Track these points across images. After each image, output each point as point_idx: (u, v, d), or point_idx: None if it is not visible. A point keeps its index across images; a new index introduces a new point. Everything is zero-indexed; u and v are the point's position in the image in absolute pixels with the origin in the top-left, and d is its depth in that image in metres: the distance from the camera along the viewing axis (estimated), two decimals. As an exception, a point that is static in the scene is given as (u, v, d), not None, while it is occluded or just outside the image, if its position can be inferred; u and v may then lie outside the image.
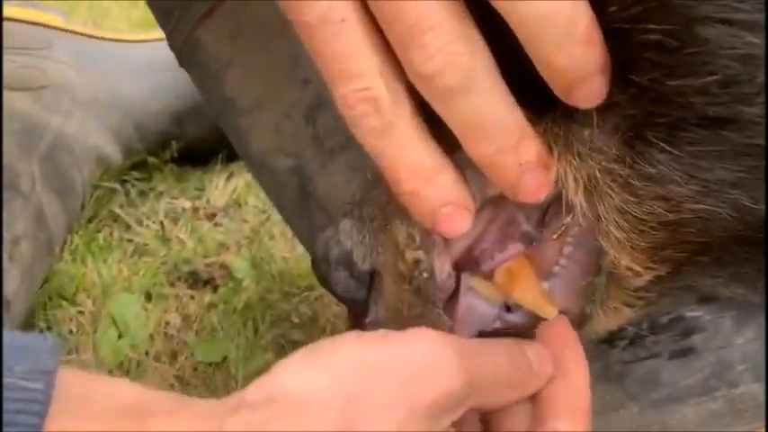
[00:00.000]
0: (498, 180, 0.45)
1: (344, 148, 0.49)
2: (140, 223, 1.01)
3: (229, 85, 0.67)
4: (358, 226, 0.51)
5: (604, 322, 0.54)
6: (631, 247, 0.47)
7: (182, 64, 0.72)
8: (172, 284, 0.89)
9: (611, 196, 0.43)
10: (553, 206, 0.53)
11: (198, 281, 0.91)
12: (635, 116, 0.41)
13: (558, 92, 0.42)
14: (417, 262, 0.49)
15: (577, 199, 0.44)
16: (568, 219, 0.51)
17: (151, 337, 0.82)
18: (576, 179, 0.43)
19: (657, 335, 0.62)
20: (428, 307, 0.50)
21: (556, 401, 0.46)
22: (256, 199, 1.06)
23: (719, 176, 0.40)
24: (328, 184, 0.66)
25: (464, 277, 0.54)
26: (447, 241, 0.50)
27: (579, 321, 0.53)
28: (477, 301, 0.53)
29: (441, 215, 0.45)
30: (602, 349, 0.64)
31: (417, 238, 0.49)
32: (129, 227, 0.99)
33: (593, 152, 0.43)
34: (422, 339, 0.42)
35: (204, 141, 1.13)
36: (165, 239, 0.97)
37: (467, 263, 0.54)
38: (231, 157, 1.11)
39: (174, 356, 0.80)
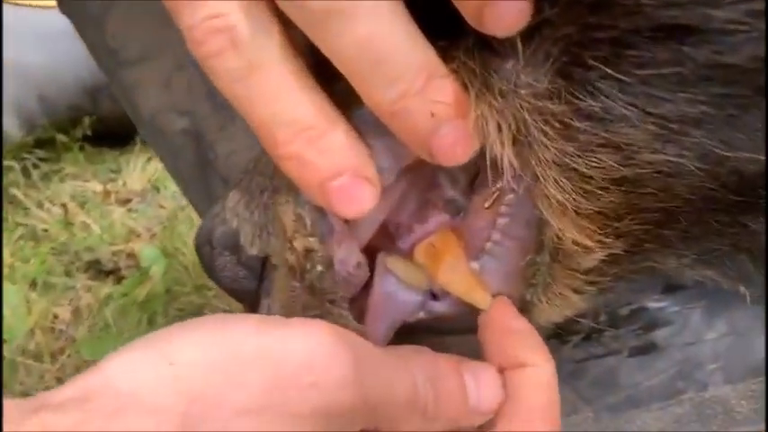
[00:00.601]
0: (406, 137, 0.36)
1: (247, 104, 0.40)
2: (41, 206, 0.91)
3: (111, 32, 0.58)
4: (246, 200, 0.42)
5: (548, 312, 0.46)
6: (577, 214, 0.39)
7: (62, 9, 0.62)
8: (69, 274, 0.80)
9: (546, 146, 0.34)
10: (484, 166, 0.44)
11: (101, 271, 0.82)
12: (570, 36, 0.32)
13: (468, 17, 0.34)
14: (309, 252, 0.40)
15: (504, 152, 0.35)
16: (502, 182, 0.42)
17: (32, 332, 0.72)
18: (500, 126, 0.35)
19: (616, 329, 0.55)
20: (326, 307, 0.41)
21: (514, 398, 0.40)
22: (178, 183, 0.97)
23: (680, 111, 0.32)
24: (229, 149, 0.57)
25: (380, 257, 0.46)
26: (351, 223, 0.41)
27: (518, 310, 0.45)
28: (397, 286, 0.46)
29: (333, 189, 0.36)
30: (551, 345, 0.56)
31: (308, 221, 0.40)
32: (27, 210, 0.89)
33: (519, 89, 0.34)
34: (310, 333, 0.34)
35: (121, 119, 1.03)
36: (67, 224, 0.87)
37: (381, 239, 0.45)
38: (153, 137, 1.01)
39: (55, 355, 0.70)
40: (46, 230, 0.87)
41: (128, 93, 0.60)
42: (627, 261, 0.43)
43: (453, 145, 0.36)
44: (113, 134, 1.05)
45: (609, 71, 0.31)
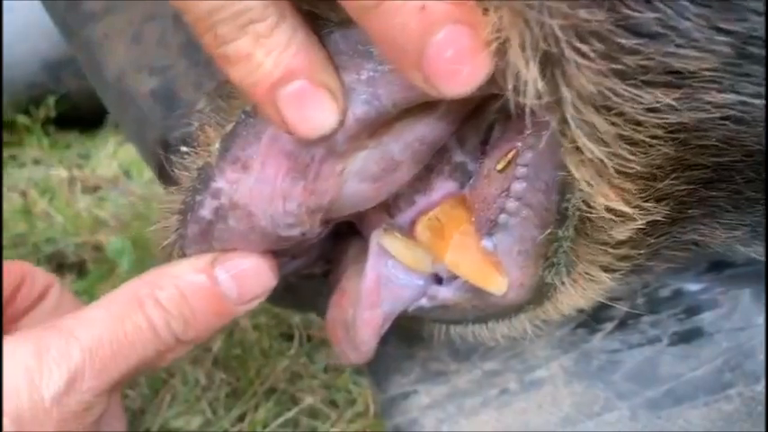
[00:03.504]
0: (389, 47, 0.30)
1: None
2: (-4, 194, 0.84)
3: (73, -21, 0.52)
4: (215, 105, 0.37)
5: (572, 297, 0.41)
6: (618, 173, 0.32)
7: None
8: (26, 269, 0.73)
9: (581, 72, 0.27)
10: (499, 122, 0.38)
11: (63, 264, 0.76)
12: None
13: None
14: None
15: (529, 74, 0.28)
16: (521, 136, 0.36)
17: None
18: (523, 43, 0.27)
19: (656, 313, 0.50)
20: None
21: None
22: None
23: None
24: (207, 112, 0.50)
25: (374, 235, 0.42)
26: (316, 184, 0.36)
27: (535, 296, 0.41)
28: (395, 269, 0.41)
29: (285, 97, 0.32)
30: (578, 335, 0.51)
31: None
32: (-20, 199, 0.83)
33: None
34: None
35: (89, 98, 0.96)
36: (26, 213, 0.80)
37: (375, 212, 0.41)
38: (125, 117, 0.95)
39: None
40: (2, 220, 0.80)
41: (91, 52, 0.54)
42: (665, 231, 0.38)
43: (455, 60, 0.29)
44: (81, 116, 0.98)
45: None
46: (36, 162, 0.93)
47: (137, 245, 0.76)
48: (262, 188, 0.35)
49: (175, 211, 0.38)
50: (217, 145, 0.35)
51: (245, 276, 0.39)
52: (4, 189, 0.85)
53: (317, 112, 0.32)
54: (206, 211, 0.36)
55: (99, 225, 0.81)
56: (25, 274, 0.44)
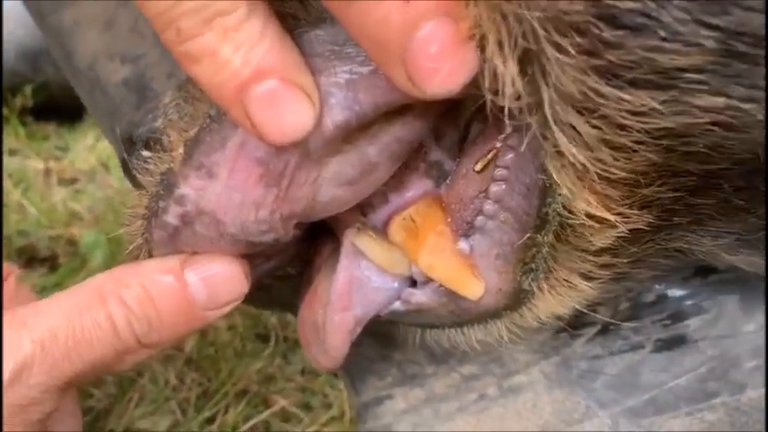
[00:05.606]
0: (369, 42, 0.28)
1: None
2: (-32, 186, 0.82)
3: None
4: (180, 102, 0.36)
5: (550, 304, 0.40)
6: (600, 179, 0.31)
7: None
8: (-5, 261, 0.72)
9: (561, 69, 0.26)
10: (478, 119, 0.37)
11: (34, 258, 0.74)
12: None
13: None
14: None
15: (507, 71, 0.26)
16: (500, 135, 0.34)
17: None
18: (500, 39, 0.26)
19: (639, 319, 0.48)
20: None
21: None
22: (132, 162, 0.88)
23: (755, 24, 0.24)
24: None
25: (347, 234, 0.40)
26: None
27: (512, 302, 0.40)
28: (369, 271, 0.40)
29: (256, 97, 0.29)
30: (559, 340, 0.50)
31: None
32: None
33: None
34: None
35: (69, 88, 0.94)
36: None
37: (346, 212, 0.39)
38: (105, 109, 0.93)
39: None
40: (2, 216, 0.78)
41: (62, 38, 0.52)
42: (649, 239, 0.37)
43: (439, 57, 0.27)
44: (59, 106, 0.96)
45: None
46: (12, 153, 0.91)
47: (111, 239, 0.75)
48: (231, 195, 0.34)
49: (139, 215, 0.36)
50: (180, 150, 0.33)
51: (216, 280, 0.37)
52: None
53: (290, 116, 0.30)
54: (171, 217, 0.35)
55: (74, 218, 0.79)
56: None
